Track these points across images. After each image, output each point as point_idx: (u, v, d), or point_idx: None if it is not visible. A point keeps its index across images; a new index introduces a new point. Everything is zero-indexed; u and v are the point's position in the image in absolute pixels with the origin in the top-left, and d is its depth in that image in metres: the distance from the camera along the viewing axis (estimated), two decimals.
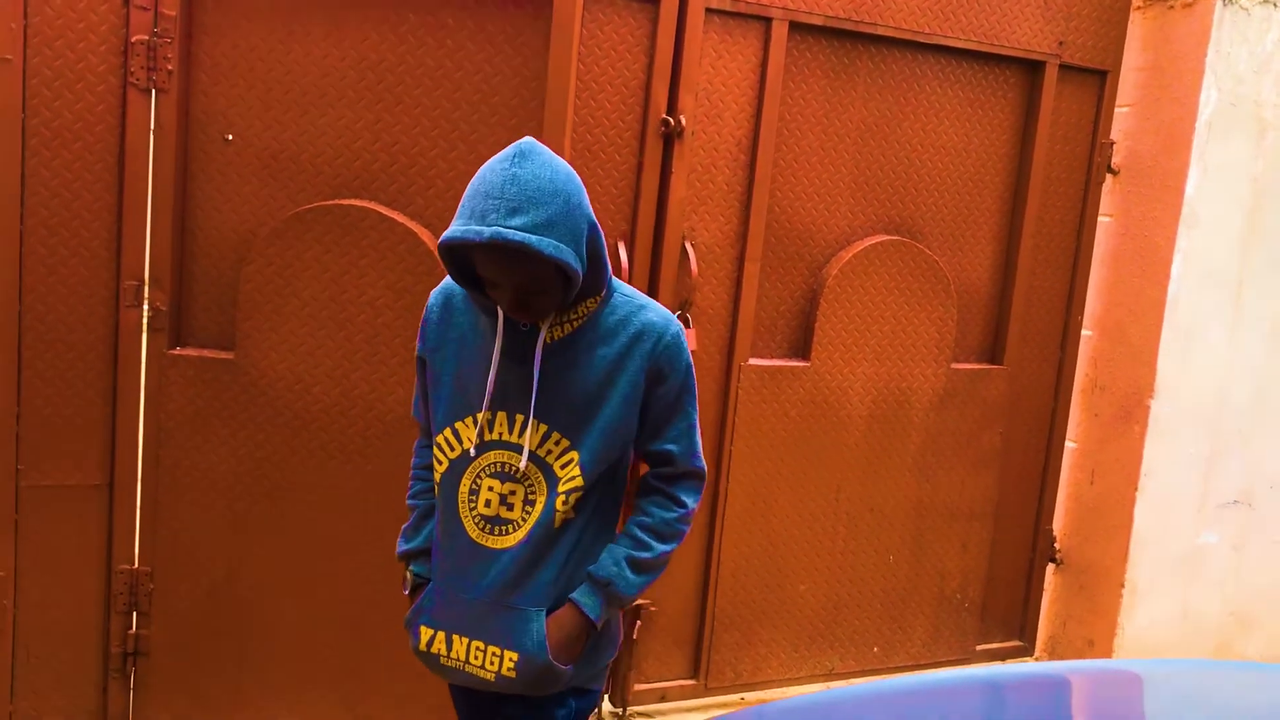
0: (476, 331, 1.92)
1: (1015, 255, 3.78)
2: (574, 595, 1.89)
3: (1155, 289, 3.77)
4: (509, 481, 1.88)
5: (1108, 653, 3.89)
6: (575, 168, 3.04)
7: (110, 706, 2.91)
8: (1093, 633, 3.97)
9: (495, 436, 1.89)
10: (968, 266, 3.76)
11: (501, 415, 1.88)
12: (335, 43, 2.83)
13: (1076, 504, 4.04)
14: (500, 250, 1.68)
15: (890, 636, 3.83)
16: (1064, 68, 3.72)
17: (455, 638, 1.91)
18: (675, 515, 1.95)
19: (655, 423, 1.93)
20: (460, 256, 1.79)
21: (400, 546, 2.06)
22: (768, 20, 3.23)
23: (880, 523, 3.71)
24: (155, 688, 2.93)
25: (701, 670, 3.51)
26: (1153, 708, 1.98)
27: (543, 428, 1.87)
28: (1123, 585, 3.86)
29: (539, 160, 1.72)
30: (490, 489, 1.88)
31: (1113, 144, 3.88)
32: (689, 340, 3.24)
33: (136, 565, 2.88)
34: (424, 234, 2.90)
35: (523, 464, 1.86)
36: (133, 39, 2.66)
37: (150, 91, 2.69)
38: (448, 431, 1.93)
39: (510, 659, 1.86)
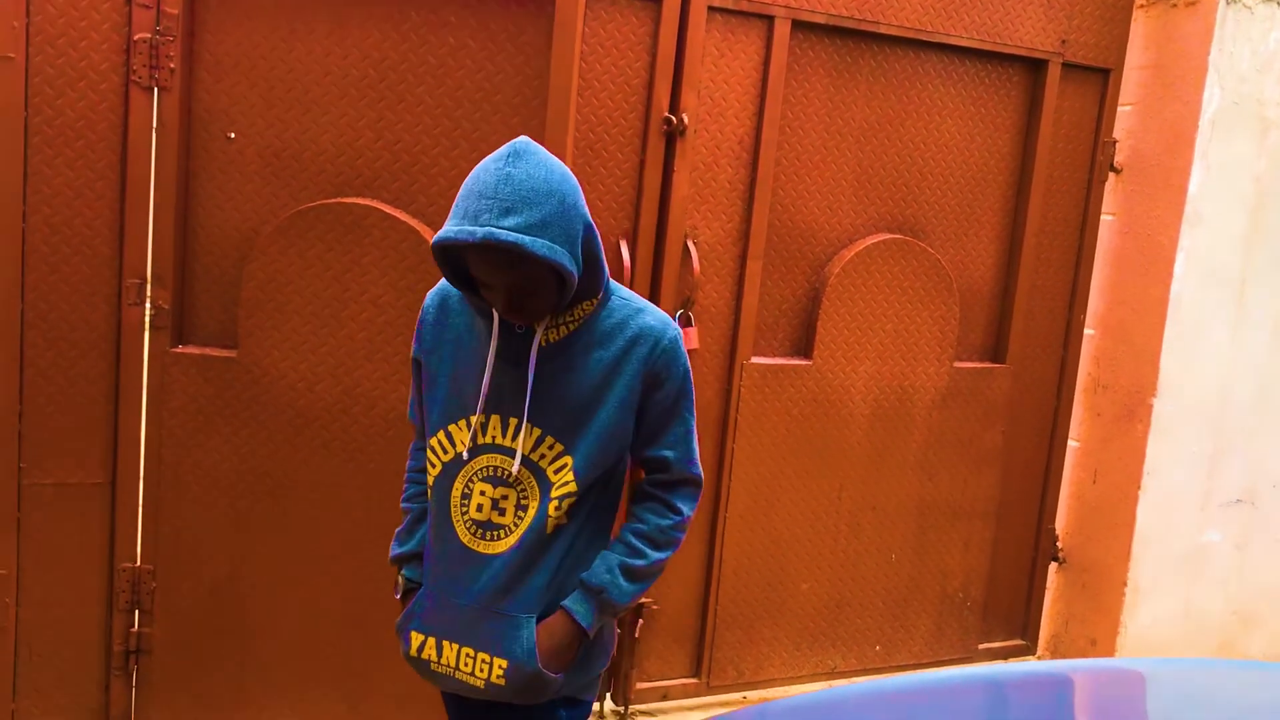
0: (472, 333, 1.90)
1: (1018, 254, 3.78)
2: (565, 602, 1.86)
3: (1158, 288, 3.76)
4: (501, 486, 1.85)
5: (1110, 652, 3.89)
6: (577, 166, 3.05)
7: (112, 705, 2.92)
8: (1095, 632, 3.97)
9: (488, 440, 1.86)
10: (970, 265, 3.76)
11: (495, 418, 1.86)
12: (338, 40, 2.83)
13: (1079, 503, 4.04)
14: (493, 251, 1.65)
15: (892, 635, 3.82)
16: (1067, 66, 3.71)
17: (445, 644, 1.88)
18: (670, 523, 1.92)
19: (651, 428, 1.90)
20: (454, 257, 1.77)
21: (393, 550, 2.04)
22: (770, 18, 3.23)
23: (882, 521, 3.71)
24: (157, 686, 2.93)
25: (703, 669, 3.51)
26: (1155, 707, 1.98)
27: (536, 432, 1.84)
28: (1125, 584, 3.86)
29: (534, 160, 1.69)
30: (482, 493, 1.85)
31: (1115, 142, 3.88)
32: (691, 339, 3.26)
33: (139, 563, 2.88)
34: (427, 232, 2.90)
35: (515, 468, 1.83)
36: (135, 37, 2.66)
37: (153, 89, 2.69)
38: (441, 434, 1.90)
39: (500, 666, 1.83)
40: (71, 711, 2.90)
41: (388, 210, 2.88)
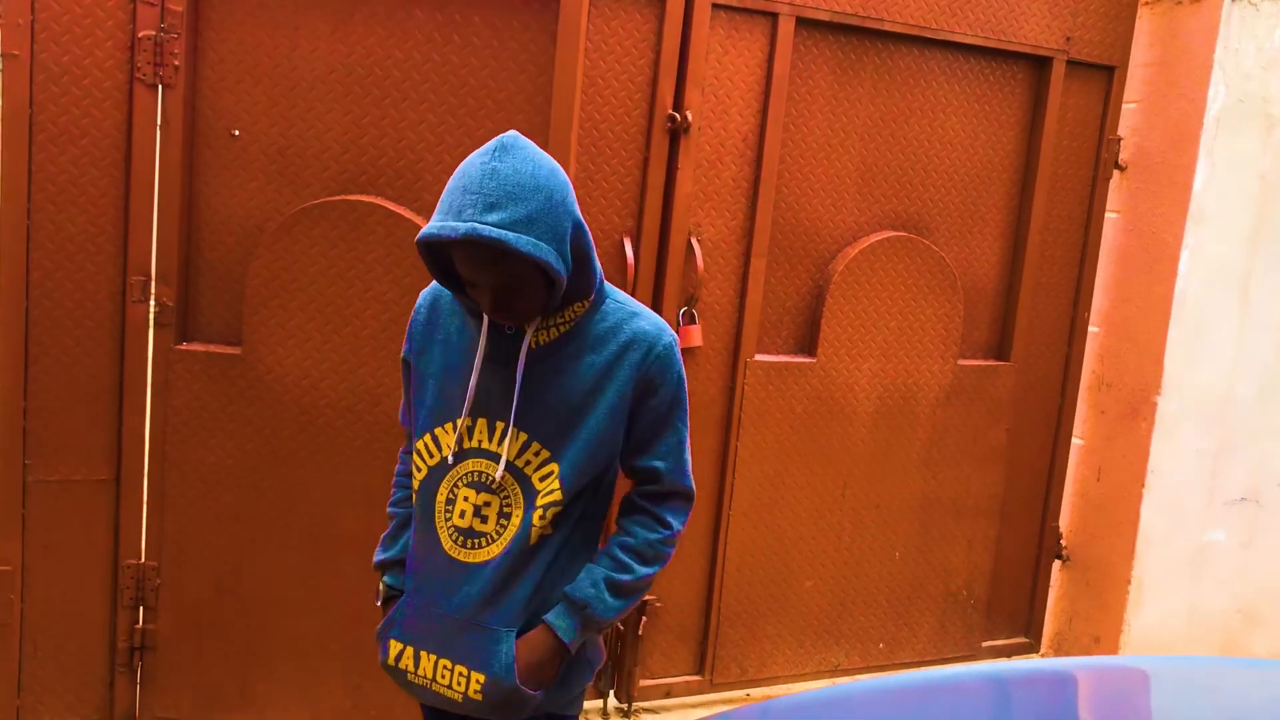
0: (463, 334, 1.84)
1: (1022, 251, 3.77)
2: (548, 616, 1.79)
3: (1162, 285, 3.76)
4: (484, 492, 1.78)
5: (1114, 650, 3.89)
6: (581, 164, 3.05)
7: (117, 701, 2.92)
8: (1099, 630, 3.97)
9: (474, 444, 1.80)
10: (974, 263, 3.75)
11: (482, 422, 1.79)
12: (342, 38, 2.83)
13: (1083, 501, 4.04)
14: (476, 247, 1.60)
15: (896, 633, 3.82)
16: (1071, 64, 3.71)
17: (423, 654, 1.82)
18: (659, 537, 1.84)
19: (642, 437, 1.82)
20: (442, 255, 1.72)
21: (376, 556, 1.98)
22: (774, 16, 3.23)
23: (886, 519, 3.71)
24: (162, 682, 2.94)
25: (707, 666, 3.51)
26: (1159, 705, 1.98)
27: (523, 436, 1.77)
28: (1129, 582, 3.85)
29: (521, 155, 1.64)
30: (466, 499, 1.79)
31: (1120, 140, 3.87)
32: (695, 336, 3.26)
33: (143, 560, 2.89)
34: None
35: (499, 474, 1.77)
36: (139, 34, 2.66)
37: (157, 87, 2.70)
38: (427, 437, 1.84)
39: (477, 680, 1.77)
40: (76, 707, 2.91)
41: (392, 208, 2.88)
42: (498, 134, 1.71)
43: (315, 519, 2.95)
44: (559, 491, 1.76)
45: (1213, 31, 3.62)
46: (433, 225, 1.61)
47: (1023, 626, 4.12)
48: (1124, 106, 3.86)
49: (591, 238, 1.74)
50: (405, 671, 1.84)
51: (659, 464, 1.84)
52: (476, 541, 1.79)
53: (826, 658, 3.73)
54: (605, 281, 1.83)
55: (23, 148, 2.63)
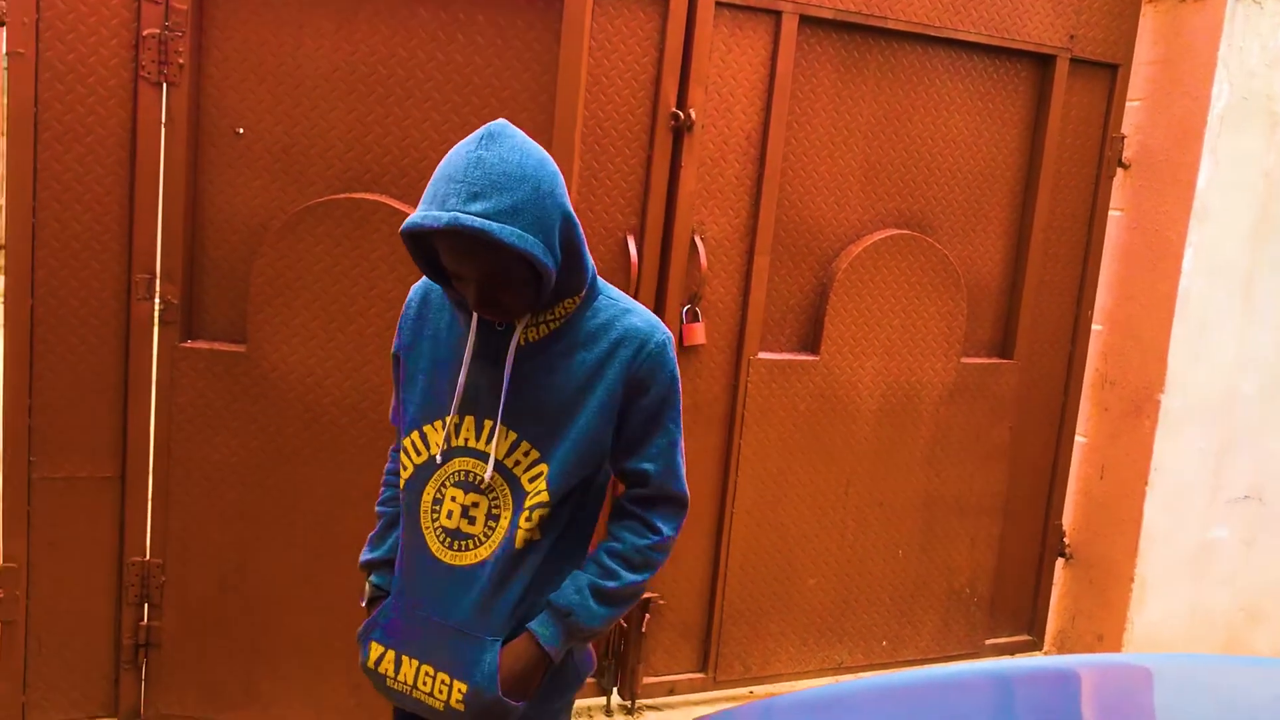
0: (452, 329, 1.78)
1: (1025, 249, 3.77)
2: (531, 624, 1.72)
3: (1166, 283, 3.76)
4: (473, 492, 1.73)
5: (1117, 647, 3.89)
6: (585, 162, 3.05)
7: (122, 698, 2.93)
8: (1102, 627, 3.97)
9: (461, 442, 1.74)
10: (978, 260, 3.75)
11: (470, 420, 1.73)
12: (346, 36, 2.83)
13: (1086, 499, 4.04)
14: (458, 237, 1.54)
15: (899, 631, 3.83)
16: (1075, 61, 3.70)
17: (405, 659, 1.77)
18: (648, 543, 1.76)
19: (632, 438, 1.75)
20: (428, 246, 1.65)
21: (363, 555, 1.94)
22: (778, 14, 3.23)
23: (889, 517, 3.71)
24: (166, 679, 2.95)
25: (710, 663, 3.52)
26: (1162, 702, 1.98)
27: (512, 435, 1.71)
28: (1132, 580, 3.85)
29: (508, 143, 1.57)
30: (453, 499, 1.74)
31: (1124, 138, 3.87)
32: (698, 335, 3.26)
33: (148, 557, 2.90)
34: None
35: (488, 474, 1.71)
36: (144, 33, 2.67)
37: (161, 85, 2.70)
38: (415, 434, 1.78)
39: (459, 690, 1.71)
40: (81, 704, 2.92)
41: (396, 205, 2.88)
42: None
43: (319, 517, 2.96)
44: (546, 492, 1.70)
45: (1216, 29, 3.62)
46: (416, 215, 1.56)
47: (1026, 624, 4.12)
48: (1128, 104, 3.85)
49: (583, 231, 1.69)
50: (385, 676, 1.80)
51: (648, 466, 1.76)
52: (464, 543, 1.74)
53: (830, 655, 3.73)
54: (599, 278, 1.78)
55: (28, 146, 2.64)
